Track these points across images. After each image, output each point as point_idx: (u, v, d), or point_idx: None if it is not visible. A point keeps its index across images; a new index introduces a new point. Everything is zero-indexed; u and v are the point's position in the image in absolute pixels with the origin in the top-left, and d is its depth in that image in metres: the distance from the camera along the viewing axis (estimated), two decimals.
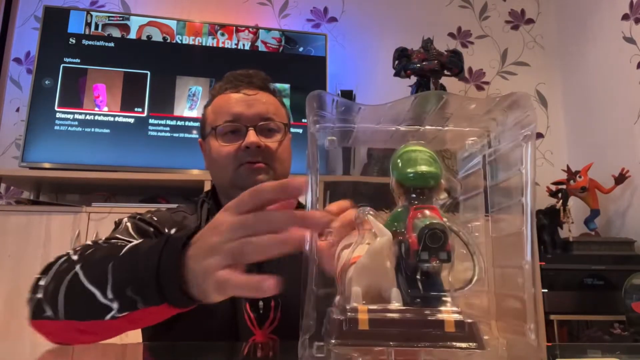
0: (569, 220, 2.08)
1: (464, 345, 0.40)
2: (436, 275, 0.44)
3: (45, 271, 0.65)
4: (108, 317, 0.55)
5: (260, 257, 0.46)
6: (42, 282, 0.63)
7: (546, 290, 1.91)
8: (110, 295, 0.55)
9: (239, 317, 0.80)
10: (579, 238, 2.07)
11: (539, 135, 2.65)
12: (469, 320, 0.40)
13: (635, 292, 1.69)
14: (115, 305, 0.54)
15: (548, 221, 2.08)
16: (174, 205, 1.00)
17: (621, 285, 1.75)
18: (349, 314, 0.42)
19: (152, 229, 0.85)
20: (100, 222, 1.84)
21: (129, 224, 0.84)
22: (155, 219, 0.88)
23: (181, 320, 0.77)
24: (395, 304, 0.42)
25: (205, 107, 0.98)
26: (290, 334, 0.50)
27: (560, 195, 2.14)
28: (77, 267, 0.60)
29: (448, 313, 0.41)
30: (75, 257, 0.63)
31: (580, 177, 2.15)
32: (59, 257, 0.67)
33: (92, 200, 2.00)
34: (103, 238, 0.80)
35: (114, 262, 0.56)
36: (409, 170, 0.46)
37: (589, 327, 2.00)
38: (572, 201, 2.19)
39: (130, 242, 0.66)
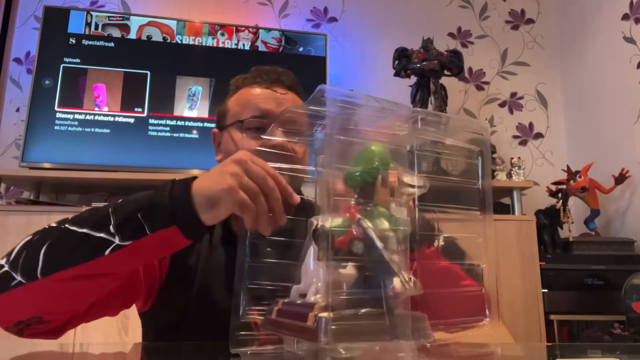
0: (569, 220, 2.08)
1: (306, 336, 0.46)
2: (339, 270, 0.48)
3: (6, 255, 0.63)
4: (108, 251, 0.56)
5: (261, 215, 0.55)
6: (3, 261, 0.61)
7: (546, 290, 1.91)
8: (112, 229, 0.57)
9: None
10: (579, 238, 2.07)
11: (539, 135, 2.65)
12: (323, 315, 0.45)
13: (635, 292, 1.69)
14: (117, 238, 0.56)
15: (548, 221, 2.08)
16: None
17: (621, 285, 1.75)
18: (272, 305, 0.53)
19: None
20: None
21: None
22: None
23: (185, 320, 0.77)
24: (312, 298, 0.49)
25: (227, 97, 0.94)
26: None
27: (560, 195, 2.15)
28: (66, 225, 0.60)
29: (316, 309, 0.46)
30: (54, 224, 0.62)
31: (580, 177, 2.15)
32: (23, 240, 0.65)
33: (92, 200, 2.00)
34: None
35: (116, 205, 0.59)
36: (346, 172, 0.51)
37: (589, 327, 2.00)
38: (572, 201, 2.19)
39: None
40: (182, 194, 0.56)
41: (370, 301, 0.46)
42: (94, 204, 1.92)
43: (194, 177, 0.59)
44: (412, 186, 0.51)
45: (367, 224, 0.47)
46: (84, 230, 0.58)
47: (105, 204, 0.68)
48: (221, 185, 0.55)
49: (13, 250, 0.62)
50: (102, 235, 0.57)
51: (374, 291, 0.47)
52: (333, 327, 0.43)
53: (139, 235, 0.56)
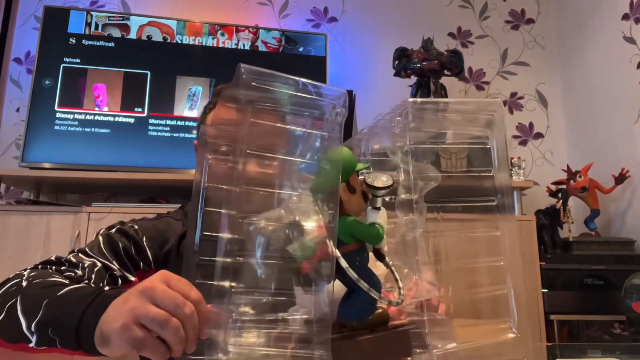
0: (569, 220, 2.08)
1: None
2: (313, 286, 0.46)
3: (2, 284, 0.68)
4: (30, 345, 0.58)
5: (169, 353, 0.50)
6: None
7: (546, 290, 1.91)
8: (33, 328, 0.57)
9: None
10: (579, 238, 2.07)
11: (539, 135, 2.65)
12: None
13: (635, 292, 1.69)
14: (34, 339, 0.57)
15: (548, 221, 2.08)
16: (170, 208, 0.99)
17: (621, 285, 1.75)
18: None
19: (125, 243, 0.84)
20: (100, 222, 1.83)
21: (100, 238, 0.84)
22: (137, 227, 0.89)
23: None
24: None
25: (209, 109, 0.93)
26: None
27: (560, 195, 2.14)
28: (19, 297, 0.62)
29: None
30: (24, 284, 0.65)
31: (580, 177, 2.15)
32: (17, 275, 0.69)
33: (92, 200, 2.00)
34: (75, 250, 0.82)
35: (49, 300, 0.59)
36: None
37: (589, 327, 2.00)
38: (572, 201, 2.19)
39: (94, 260, 0.77)
40: (89, 324, 0.53)
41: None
42: (94, 204, 1.92)
43: (117, 295, 0.55)
44: (379, 188, 0.47)
45: (330, 242, 0.44)
46: (19, 316, 0.59)
47: (80, 253, 0.76)
48: (114, 324, 0.50)
49: (3, 285, 0.67)
50: (25, 329, 0.58)
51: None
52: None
53: (51, 345, 0.57)
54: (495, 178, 0.51)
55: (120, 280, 0.80)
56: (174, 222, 0.93)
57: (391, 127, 0.49)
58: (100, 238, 0.85)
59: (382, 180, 0.47)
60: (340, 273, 0.45)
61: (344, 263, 0.44)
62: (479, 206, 0.51)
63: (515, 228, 0.51)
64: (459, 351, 0.47)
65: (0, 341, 0.61)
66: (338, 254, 0.44)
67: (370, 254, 0.50)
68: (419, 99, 0.49)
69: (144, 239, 0.87)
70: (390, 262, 0.50)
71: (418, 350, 0.45)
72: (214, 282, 0.46)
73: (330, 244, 0.45)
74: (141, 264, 0.85)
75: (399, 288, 0.49)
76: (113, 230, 0.87)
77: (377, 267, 0.50)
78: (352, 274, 0.44)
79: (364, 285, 0.44)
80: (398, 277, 0.50)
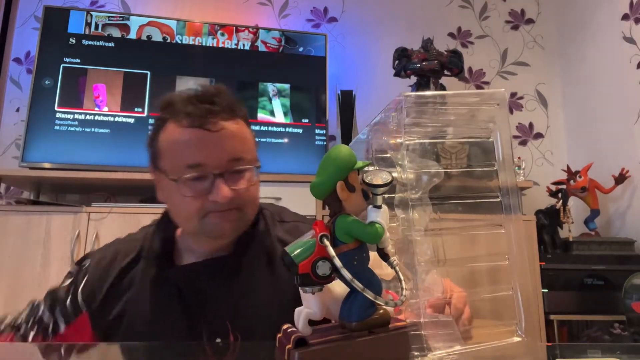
0: (569, 220, 2.08)
1: None
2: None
3: None
4: None
5: None
6: None
7: (546, 290, 1.91)
8: None
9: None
10: (579, 238, 2.07)
11: (539, 135, 2.65)
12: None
13: (635, 292, 1.69)
14: None
15: (548, 221, 2.08)
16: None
17: (621, 285, 1.75)
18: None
19: (63, 294, 0.85)
20: (100, 222, 1.84)
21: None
22: (87, 264, 0.87)
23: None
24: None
25: (157, 131, 0.84)
26: None
27: (560, 195, 2.14)
28: None
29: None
30: None
31: (580, 177, 2.15)
32: None
33: (92, 200, 2.00)
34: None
35: None
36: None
37: (589, 327, 2.00)
38: (572, 201, 2.19)
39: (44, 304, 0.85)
40: None
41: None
42: (94, 204, 1.92)
43: None
44: (377, 186, 0.46)
45: (325, 241, 0.44)
46: None
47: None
48: None
49: None
50: None
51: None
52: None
53: None
54: (499, 174, 0.49)
55: (50, 328, 0.81)
56: (123, 249, 0.87)
57: (387, 122, 0.48)
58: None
59: (381, 177, 0.46)
60: (338, 273, 0.45)
61: (338, 263, 0.44)
62: (483, 203, 0.49)
63: (521, 228, 0.49)
64: (460, 354, 0.46)
65: None
66: (333, 253, 0.44)
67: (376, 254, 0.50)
68: (413, 93, 0.48)
69: (83, 283, 0.84)
70: (395, 262, 0.49)
71: (416, 353, 0.45)
72: None
73: (325, 243, 0.45)
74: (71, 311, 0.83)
75: (402, 289, 0.49)
76: (66, 282, 0.86)
77: (383, 268, 0.50)
78: (346, 274, 0.44)
79: (357, 285, 0.44)
80: (402, 277, 0.49)
